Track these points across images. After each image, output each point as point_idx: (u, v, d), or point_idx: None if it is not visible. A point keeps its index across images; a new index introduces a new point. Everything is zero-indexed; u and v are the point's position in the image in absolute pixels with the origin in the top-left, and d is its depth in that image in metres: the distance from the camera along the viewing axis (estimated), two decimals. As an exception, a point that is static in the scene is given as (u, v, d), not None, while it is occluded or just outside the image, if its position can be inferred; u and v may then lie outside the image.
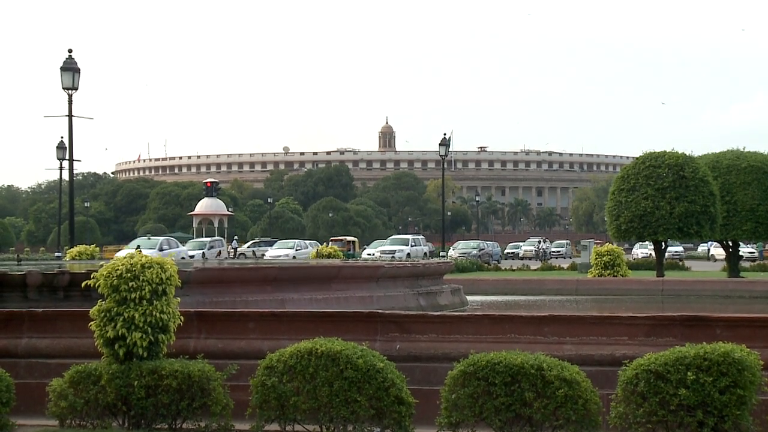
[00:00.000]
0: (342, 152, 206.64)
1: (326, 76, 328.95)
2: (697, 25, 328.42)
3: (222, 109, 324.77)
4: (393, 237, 78.08)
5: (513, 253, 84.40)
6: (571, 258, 77.33)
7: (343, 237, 79.80)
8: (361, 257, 58.87)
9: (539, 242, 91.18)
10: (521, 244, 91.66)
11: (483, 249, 70.19)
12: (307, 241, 75.46)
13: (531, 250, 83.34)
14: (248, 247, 78.64)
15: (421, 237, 76.20)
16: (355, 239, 78.57)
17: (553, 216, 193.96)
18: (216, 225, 79.34)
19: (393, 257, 52.73)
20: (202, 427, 9.28)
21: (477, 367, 8.64)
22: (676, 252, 74.09)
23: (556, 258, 77.08)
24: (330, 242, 72.14)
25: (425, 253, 65.81)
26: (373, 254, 61.80)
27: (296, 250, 65.54)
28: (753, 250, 70.72)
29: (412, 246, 65.31)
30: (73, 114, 35.13)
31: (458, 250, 67.88)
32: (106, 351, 9.47)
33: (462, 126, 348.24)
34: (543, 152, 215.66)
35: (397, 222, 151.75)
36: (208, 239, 64.04)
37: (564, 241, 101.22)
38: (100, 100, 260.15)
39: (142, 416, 9.29)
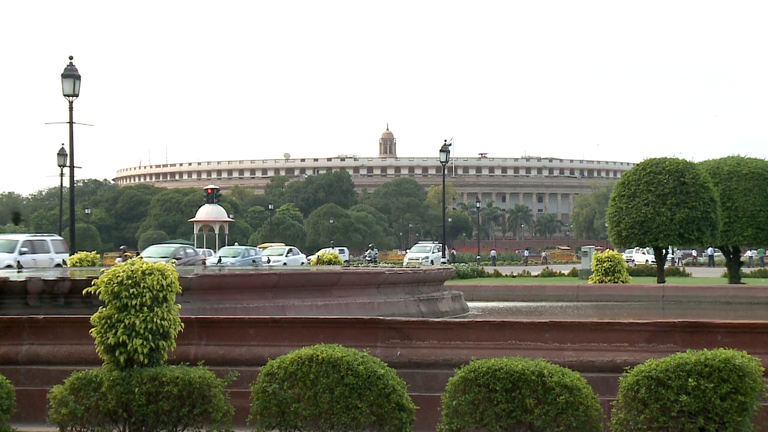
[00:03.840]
0: (342, 158, 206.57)
1: (327, 82, 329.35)
2: (698, 30, 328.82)
3: (223, 116, 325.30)
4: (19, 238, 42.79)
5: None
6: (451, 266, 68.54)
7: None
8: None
9: (369, 249, 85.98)
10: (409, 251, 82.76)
11: (187, 255, 52.45)
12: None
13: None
14: None
15: (58, 239, 43.71)
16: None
17: (554, 222, 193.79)
18: (216, 231, 79.28)
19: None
20: (203, 434, 9.27)
21: (478, 373, 8.64)
22: None
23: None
24: None
25: (58, 264, 38.09)
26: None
27: None
28: None
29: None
30: (73, 121, 35.16)
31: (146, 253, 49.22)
32: (106, 358, 9.47)
33: (462, 132, 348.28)
34: (543, 158, 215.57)
35: (398, 228, 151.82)
36: None
37: (434, 242, 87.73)
38: (101, 106, 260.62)
39: (142, 423, 9.28)
